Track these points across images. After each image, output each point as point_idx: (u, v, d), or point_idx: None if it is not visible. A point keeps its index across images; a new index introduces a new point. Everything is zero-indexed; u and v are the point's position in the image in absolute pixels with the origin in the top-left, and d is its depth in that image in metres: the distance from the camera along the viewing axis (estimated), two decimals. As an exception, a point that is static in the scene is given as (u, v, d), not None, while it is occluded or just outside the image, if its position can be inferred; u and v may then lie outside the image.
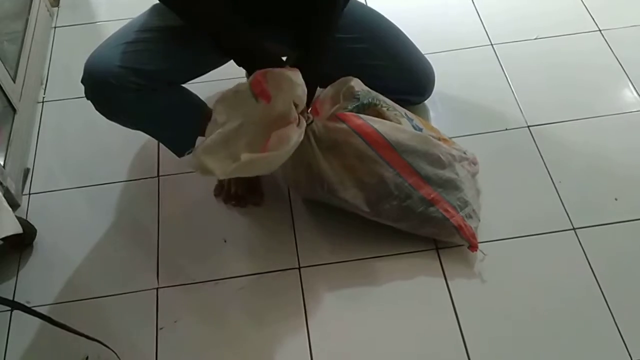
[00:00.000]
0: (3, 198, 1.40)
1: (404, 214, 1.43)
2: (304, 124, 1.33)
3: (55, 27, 2.12)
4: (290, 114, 1.29)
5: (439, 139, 1.54)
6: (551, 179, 1.60)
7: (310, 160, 1.41)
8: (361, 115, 1.44)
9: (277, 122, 1.28)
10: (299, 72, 1.30)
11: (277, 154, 1.27)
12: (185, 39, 1.36)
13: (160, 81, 1.34)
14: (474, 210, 1.48)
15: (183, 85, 1.45)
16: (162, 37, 1.35)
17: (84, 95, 1.37)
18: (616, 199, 1.55)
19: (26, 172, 1.70)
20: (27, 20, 1.96)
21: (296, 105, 1.30)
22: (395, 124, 1.46)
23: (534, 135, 1.69)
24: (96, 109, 1.35)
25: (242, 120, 1.27)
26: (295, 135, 1.28)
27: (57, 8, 2.19)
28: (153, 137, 1.52)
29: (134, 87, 1.30)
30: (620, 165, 1.63)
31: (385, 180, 1.41)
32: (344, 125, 1.41)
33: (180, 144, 1.49)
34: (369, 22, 1.59)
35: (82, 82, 1.32)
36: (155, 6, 1.42)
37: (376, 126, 1.42)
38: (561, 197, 1.56)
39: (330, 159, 1.41)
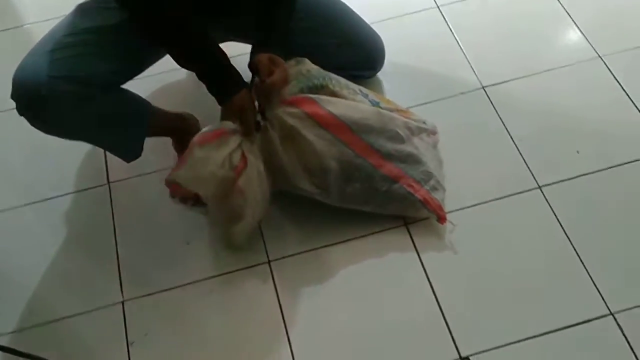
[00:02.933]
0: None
1: (368, 195, 1.40)
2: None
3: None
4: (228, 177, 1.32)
5: (397, 112, 1.50)
6: (512, 139, 1.58)
7: (269, 152, 1.36)
8: (314, 97, 1.39)
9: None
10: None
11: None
12: (116, 37, 1.27)
13: (96, 86, 1.25)
14: (438, 181, 1.45)
15: (122, 86, 1.36)
16: (92, 39, 1.26)
17: (16, 109, 1.28)
18: (578, 152, 1.54)
19: (-33, 195, 1.60)
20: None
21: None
22: (349, 103, 1.41)
23: (490, 96, 1.67)
24: (31, 124, 1.26)
25: None
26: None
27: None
28: (97, 146, 1.43)
29: (69, 95, 1.21)
30: (578, 117, 1.61)
31: (345, 163, 1.36)
32: (297, 110, 1.36)
33: (127, 150, 1.41)
34: (316, 1, 1.52)
35: (12, 97, 1.23)
36: (80, 6, 1.32)
37: (330, 108, 1.37)
38: (524, 157, 1.54)
39: (288, 148, 1.36)
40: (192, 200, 1.53)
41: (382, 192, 1.39)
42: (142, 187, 1.58)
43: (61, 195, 1.59)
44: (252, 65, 1.33)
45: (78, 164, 1.64)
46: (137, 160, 1.48)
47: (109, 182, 1.60)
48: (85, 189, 1.60)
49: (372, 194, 1.39)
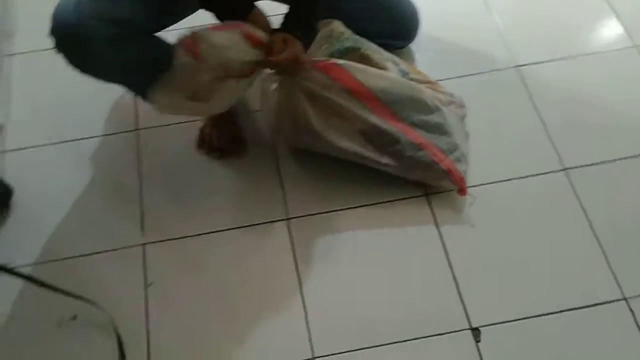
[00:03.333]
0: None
1: (392, 158, 1.40)
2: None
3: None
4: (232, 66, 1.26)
5: (426, 83, 1.50)
6: (540, 119, 1.57)
7: (295, 106, 1.37)
8: (342, 63, 1.39)
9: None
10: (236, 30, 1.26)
11: (205, 105, 1.31)
12: None
13: (133, 29, 1.26)
14: (463, 154, 1.45)
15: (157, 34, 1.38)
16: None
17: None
18: (606, 138, 1.53)
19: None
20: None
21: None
22: (378, 71, 1.41)
23: (522, 76, 1.66)
24: (68, 62, 1.28)
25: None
26: (229, 86, 1.28)
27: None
28: (129, 89, 1.44)
29: (106, 37, 1.22)
30: (609, 102, 1.60)
31: (372, 127, 1.37)
32: (323, 76, 1.36)
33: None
34: None
35: (50, 34, 1.24)
36: None
37: (358, 76, 1.37)
38: (551, 138, 1.54)
39: (315, 105, 1.36)
40: (217, 152, 1.54)
41: (407, 157, 1.39)
42: (170, 137, 1.60)
43: (90, 137, 1.61)
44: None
45: (109, 109, 1.66)
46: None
47: (138, 128, 1.62)
48: (114, 133, 1.62)
49: (396, 158, 1.40)
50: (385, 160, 1.41)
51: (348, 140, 1.39)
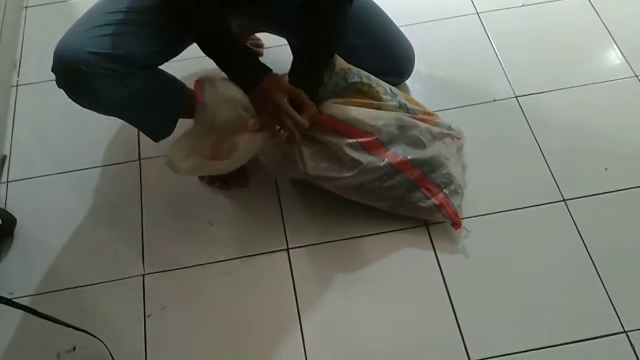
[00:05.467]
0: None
1: (384, 194, 1.41)
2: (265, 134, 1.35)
3: (26, 7, 2.04)
4: (237, 120, 1.31)
5: (423, 114, 1.51)
6: (540, 150, 1.58)
7: (292, 151, 1.39)
8: (336, 113, 1.38)
9: (229, 128, 1.32)
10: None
11: (228, 162, 1.35)
12: (156, 18, 1.30)
13: (134, 65, 1.28)
14: (459, 185, 1.46)
15: (160, 67, 1.39)
16: (133, 18, 1.28)
17: (58, 81, 1.31)
18: (606, 169, 1.54)
19: (3, 158, 1.65)
20: (-5, 1, 1.89)
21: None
22: (373, 111, 1.41)
23: (522, 106, 1.67)
24: (69, 97, 1.29)
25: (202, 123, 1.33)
26: (247, 142, 1.33)
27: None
28: (129, 123, 1.46)
29: (107, 73, 1.24)
30: (609, 134, 1.60)
31: (366, 164, 1.37)
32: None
33: (157, 129, 1.45)
34: None
35: (52, 70, 1.26)
36: None
37: (352, 116, 1.38)
38: (551, 169, 1.54)
39: (311, 146, 1.38)
40: (218, 183, 1.55)
41: (400, 195, 1.41)
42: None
43: (92, 167, 1.63)
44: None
45: (112, 139, 1.68)
46: (169, 139, 1.51)
47: (140, 158, 1.64)
48: (116, 163, 1.64)
49: (388, 193, 1.41)
50: (379, 204, 1.43)
51: (342, 182, 1.39)
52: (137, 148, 1.65)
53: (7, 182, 1.62)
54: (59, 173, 1.63)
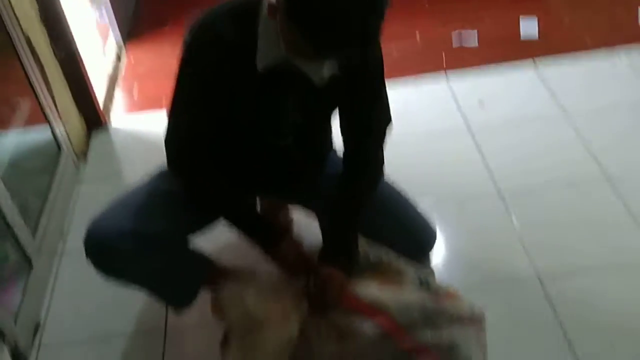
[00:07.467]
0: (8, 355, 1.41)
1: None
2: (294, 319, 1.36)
3: (80, 182, 2.22)
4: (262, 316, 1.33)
5: (446, 294, 1.52)
6: (565, 337, 1.55)
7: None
8: (358, 293, 1.42)
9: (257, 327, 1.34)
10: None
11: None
12: (183, 200, 1.39)
13: (160, 244, 1.35)
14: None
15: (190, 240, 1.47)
16: (167, 202, 1.38)
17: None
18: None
19: (37, 326, 1.72)
20: (53, 175, 2.05)
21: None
22: (392, 293, 1.43)
23: (544, 285, 1.67)
24: (95, 268, 1.36)
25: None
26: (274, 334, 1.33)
27: (84, 163, 2.30)
28: (153, 296, 1.50)
29: (132, 251, 1.31)
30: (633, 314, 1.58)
31: (380, 345, 1.38)
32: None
33: (180, 301, 1.50)
34: None
35: (84, 243, 1.35)
36: (161, 172, 1.46)
37: (374, 296, 1.41)
38: (577, 354, 1.51)
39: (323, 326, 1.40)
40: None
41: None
42: (196, 337, 1.65)
43: (120, 335, 1.68)
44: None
45: (141, 307, 1.75)
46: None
47: (166, 327, 1.68)
48: (143, 332, 1.69)
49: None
50: None
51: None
52: (165, 317, 1.70)
53: (39, 346, 1.67)
54: (88, 340, 1.68)
